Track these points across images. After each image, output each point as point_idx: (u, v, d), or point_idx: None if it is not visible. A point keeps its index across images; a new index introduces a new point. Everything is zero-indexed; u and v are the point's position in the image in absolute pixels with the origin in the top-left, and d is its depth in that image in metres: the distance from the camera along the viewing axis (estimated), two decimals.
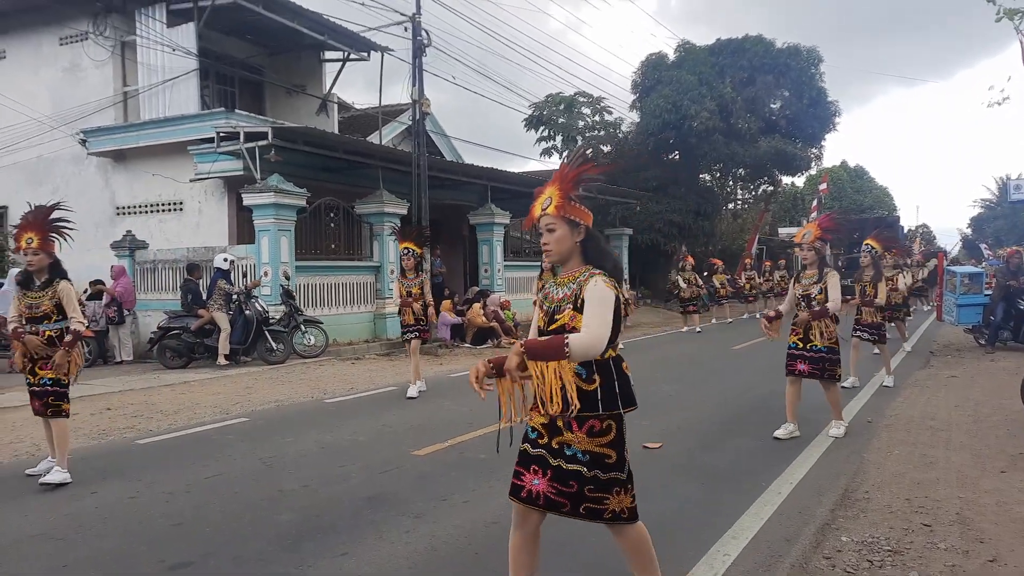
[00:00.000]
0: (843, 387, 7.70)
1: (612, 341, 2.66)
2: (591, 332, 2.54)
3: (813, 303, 5.91)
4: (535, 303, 3.00)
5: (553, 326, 2.73)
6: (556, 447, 2.72)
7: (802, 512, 4.37)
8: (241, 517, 4.42)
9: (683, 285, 17.08)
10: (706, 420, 6.78)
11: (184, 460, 5.78)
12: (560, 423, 2.71)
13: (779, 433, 6.12)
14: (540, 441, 2.78)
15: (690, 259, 17.81)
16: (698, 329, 16.74)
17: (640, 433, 6.37)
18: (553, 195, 2.77)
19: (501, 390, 2.78)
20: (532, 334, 2.93)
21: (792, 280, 6.32)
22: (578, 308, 2.64)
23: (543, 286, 3.01)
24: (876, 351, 10.85)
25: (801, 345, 6.01)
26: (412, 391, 8.46)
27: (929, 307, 19.16)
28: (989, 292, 12.34)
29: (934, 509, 4.38)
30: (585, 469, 2.67)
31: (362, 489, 4.90)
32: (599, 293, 2.61)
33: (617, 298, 2.63)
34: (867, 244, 8.75)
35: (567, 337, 2.52)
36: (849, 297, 8.05)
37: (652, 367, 11.21)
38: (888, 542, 3.88)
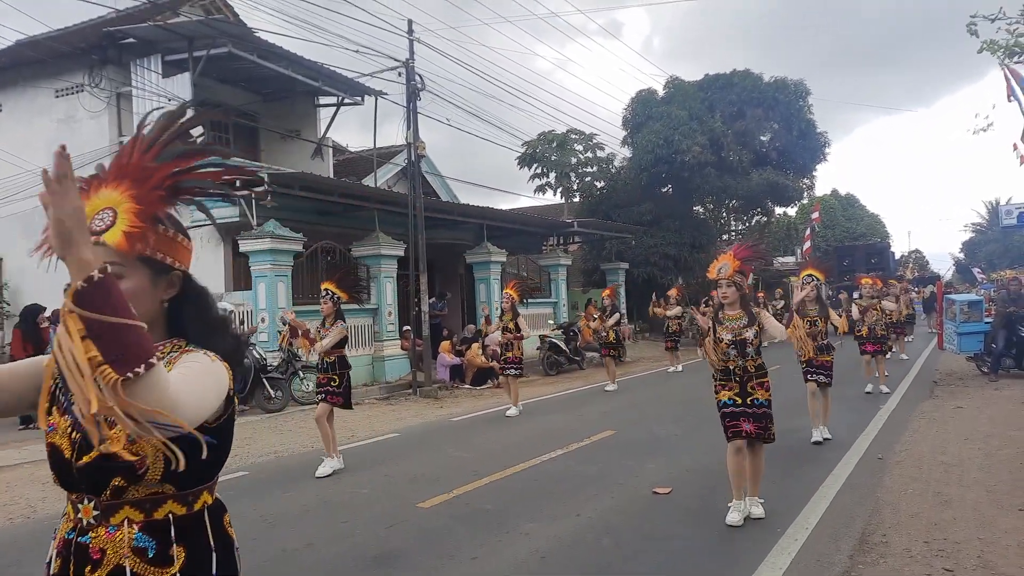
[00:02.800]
0: (816, 441, 7.44)
1: (211, 477, 1.60)
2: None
3: (748, 348, 4.87)
4: None
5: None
6: None
7: (820, 560, 4.26)
8: None
9: (669, 315, 15.99)
10: (715, 461, 6.65)
11: None
12: None
13: (731, 519, 4.87)
14: None
15: (676, 292, 16.78)
16: (679, 368, 15.59)
17: (648, 476, 6.27)
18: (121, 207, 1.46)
19: None
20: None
21: (711, 326, 5.07)
22: None
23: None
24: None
25: (740, 401, 4.88)
26: (325, 468, 6.81)
27: (904, 356, 17.80)
28: (989, 319, 12.31)
29: (954, 552, 4.27)
30: None
31: (367, 547, 4.77)
32: (200, 364, 1.46)
33: (230, 395, 1.54)
34: (809, 274, 7.59)
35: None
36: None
37: (656, 405, 11.11)
38: None
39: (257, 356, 11.58)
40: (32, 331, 11.17)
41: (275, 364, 11.92)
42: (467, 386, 14.46)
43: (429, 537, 4.93)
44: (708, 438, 7.95)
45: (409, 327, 15.00)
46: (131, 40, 14.66)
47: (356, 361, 14.43)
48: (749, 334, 4.90)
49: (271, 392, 11.55)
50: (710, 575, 4.12)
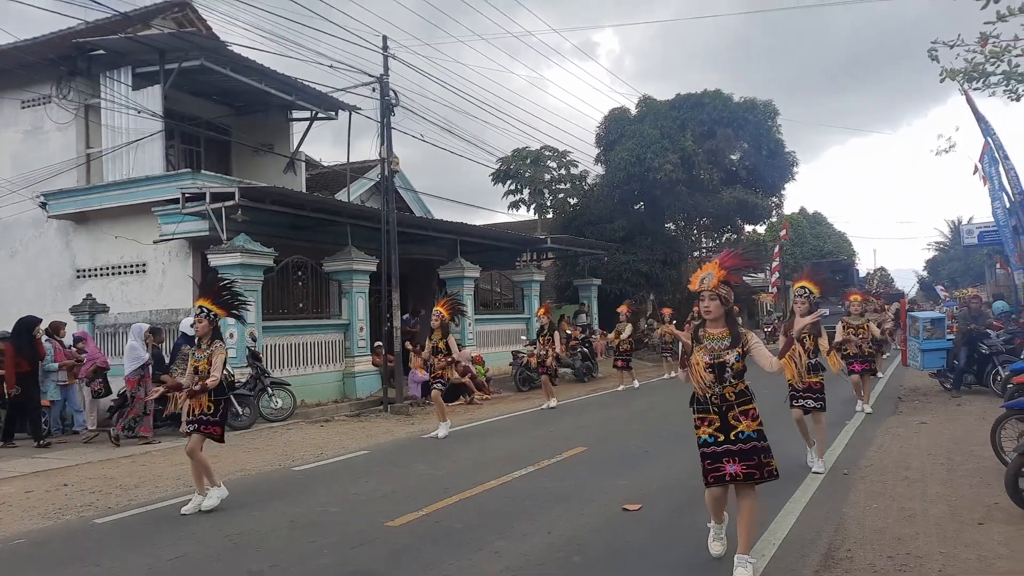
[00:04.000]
0: (816, 472, 6.79)
1: None
2: None
3: (727, 373, 4.24)
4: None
5: None
6: None
7: (787, 575, 4.30)
8: None
9: (622, 336, 15.72)
10: (685, 478, 6.70)
11: (145, 540, 5.50)
12: None
13: (715, 551, 4.61)
14: None
15: (624, 309, 16.49)
16: (636, 385, 15.58)
17: (619, 493, 6.29)
18: None
19: None
20: None
21: (692, 341, 4.46)
22: None
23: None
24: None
25: (723, 437, 4.21)
26: (191, 507, 6.18)
27: (886, 354, 19.06)
28: (952, 337, 12.58)
29: (917, 567, 4.34)
30: None
31: (335, 567, 4.71)
32: None
33: None
34: (801, 287, 6.94)
35: None
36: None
37: (628, 421, 11.14)
38: None
39: (225, 372, 11.39)
40: (27, 346, 10.38)
41: (243, 381, 11.75)
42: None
43: (398, 556, 4.88)
44: (678, 454, 8.00)
45: (381, 343, 14.91)
46: (101, 52, 14.50)
47: (326, 377, 14.38)
48: (730, 357, 4.23)
49: (238, 409, 11.36)
50: None
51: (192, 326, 6.74)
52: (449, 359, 10.02)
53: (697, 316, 7.14)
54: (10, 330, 11.52)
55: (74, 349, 11.52)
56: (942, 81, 11.47)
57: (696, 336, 4.41)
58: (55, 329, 11.36)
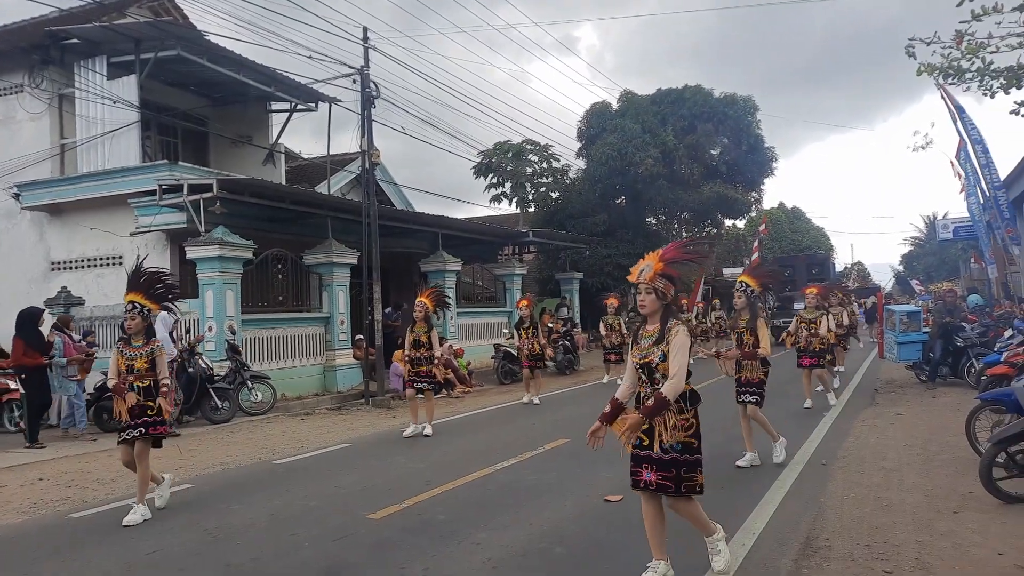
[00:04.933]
0: (738, 465, 6.70)
1: None
2: None
3: (657, 375, 3.90)
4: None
5: None
6: None
7: (766, 564, 4.34)
8: None
9: (603, 332, 15.42)
10: None
11: (122, 535, 5.43)
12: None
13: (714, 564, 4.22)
14: None
15: (613, 301, 15.73)
16: (619, 380, 15.49)
17: (601, 485, 6.31)
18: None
19: None
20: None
21: (631, 341, 4.24)
22: None
23: None
24: (819, 388, 11.04)
25: (647, 441, 3.91)
26: (134, 516, 5.66)
27: (863, 345, 19.33)
28: (927, 330, 12.77)
29: (894, 555, 4.40)
30: None
31: (316, 560, 4.68)
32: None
33: None
34: (741, 282, 6.92)
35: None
36: (723, 350, 6.90)
37: None
38: None
39: (204, 366, 11.30)
40: (36, 338, 9.93)
41: (222, 374, 11.64)
42: (420, 396, 14.32)
43: (380, 549, 4.86)
44: None
45: (362, 336, 14.83)
46: (75, 40, 14.23)
47: (307, 371, 14.28)
48: (654, 357, 3.91)
49: (217, 402, 11.28)
50: None
51: (123, 324, 6.18)
52: (430, 353, 9.35)
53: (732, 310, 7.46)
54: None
55: (83, 343, 11.02)
56: (919, 75, 11.61)
57: (635, 335, 4.14)
58: (64, 323, 10.97)
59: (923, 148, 13.19)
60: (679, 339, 3.86)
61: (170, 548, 5.07)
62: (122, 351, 5.94)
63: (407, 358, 9.50)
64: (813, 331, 10.37)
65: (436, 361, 9.46)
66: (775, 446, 6.97)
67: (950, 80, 12.21)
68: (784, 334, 10.88)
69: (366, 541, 5.06)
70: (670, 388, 3.77)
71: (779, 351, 12.89)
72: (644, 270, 4.05)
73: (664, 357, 3.86)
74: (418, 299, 9.67)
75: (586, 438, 3.96)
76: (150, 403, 5.85)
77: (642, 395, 4.00)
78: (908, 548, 4.52)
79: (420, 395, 9.49)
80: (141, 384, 5.83)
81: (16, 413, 11.14)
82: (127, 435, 5.81)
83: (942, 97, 16.53)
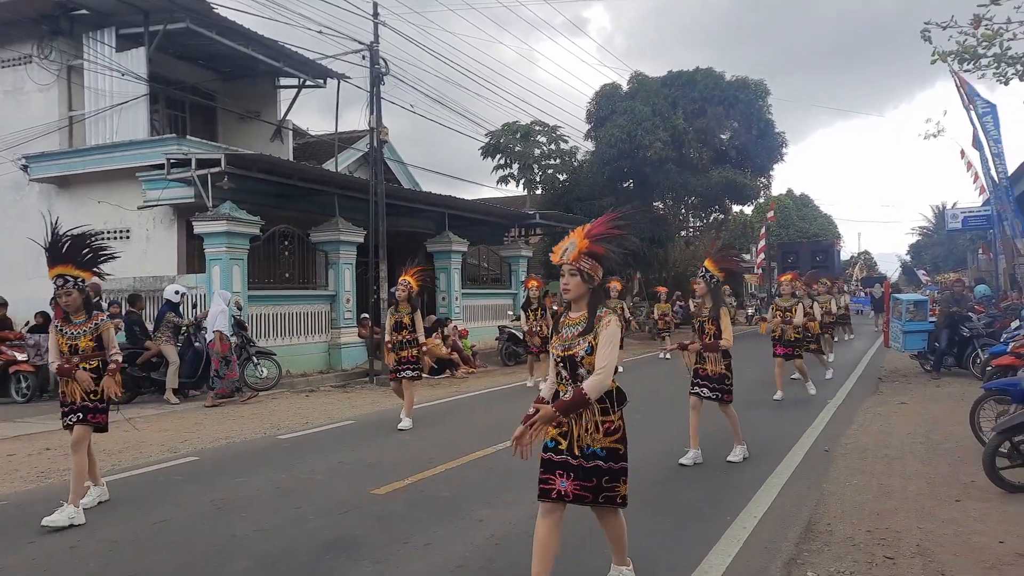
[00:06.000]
0: (682, 463, 6.26)
1: None
2: None
3: (581, 371, 3.38)
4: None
5: None
6: None
7: (768, 547, 4.37)
8: (191, 567, 4.20)
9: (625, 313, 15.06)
10: (668, 452, 6.77)
11: (129, 504, 5.50)
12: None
13: None
14: None
15: (616, 284, 15.23)
16: (619, 369, 14.90)
17: None
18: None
19: None
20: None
21: (551, 331, 3.72)
22: None
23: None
24: (795, 376, 10.91)
25: (564, 445, 3.37)
26: (58, 517, 4.90)
27: (850, 336, 19.03)
28: (933, 319, 12.73)
29: (895, 541, 4.42)
30: None
31: (320, 533, 4.72)
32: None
33: None
34: (703, 269, 6.52)
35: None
36: (687, 342, 6.52)
37: None
38: None
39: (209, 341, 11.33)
40: None
41: None
42: (425, 375, 14.38)
43: (383, 523, 4.90)
44: (659, 428, 8.09)
45: (367, 315, 14.87)
46: (84, 11, 14.16)
47: (312, 348, 14.34)
48: (580, 349, 3.36)
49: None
50: (661, 561, 4.18)
51: (53, 302, 5.54)
52: (413, 336, 8.53)
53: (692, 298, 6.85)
54: (3, 295, 11.31)
55: (105, 314, 10.96)
56: (933, 62, 11.46)
57: (556, 324, 3.59)
58: (95, 291, 10.92)
59: (935, 136, 13.08)
60: (610, 330, 3.34)
61: (177, 518, 5.13)
62: (61, 330, 5.24)
63: (388, 345, 8.68)
64: (788, 319, 10.11)
65: (424, 348, 8.78)
66: (736, 448, 6.53)
67: (965, 66, 12.07)
68: (757, 318, 10.69)
69: (370, 515, 5.10)
70: (594, 384, 3.25)
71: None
72: (568, 249, 3.49)
73: (591, 350, 3.32)
74: (401, 278, 8.84)
75: (511, 447, 3.38)
76: (95, 387, 5.19)
77: (561, 394, 3.45)
78: (909, 534, 4.53)
79: (398, 381, 8.67)
80: (88, 365, 5.18)
81: (24, 384, 11.23)
82: (67, 420, 5.22)
83: (956, 84, 16.34)
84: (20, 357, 11.24)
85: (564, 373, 3.43)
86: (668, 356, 16.01)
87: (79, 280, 5.17)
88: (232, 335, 12.02)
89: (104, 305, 10.98)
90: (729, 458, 6.46)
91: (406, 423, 8.43)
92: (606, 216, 3.61)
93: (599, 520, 3.59)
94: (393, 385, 8.87)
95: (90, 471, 5.38)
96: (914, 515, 4.92)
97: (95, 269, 5.38)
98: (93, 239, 5.39)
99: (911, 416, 8.70)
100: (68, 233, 5.24)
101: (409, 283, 8.67)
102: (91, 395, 5.16)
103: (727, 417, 6.55)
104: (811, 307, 11.20)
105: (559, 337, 3.48)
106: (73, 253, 5.19)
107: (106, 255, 5.43)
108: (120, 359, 5.34)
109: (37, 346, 11.35)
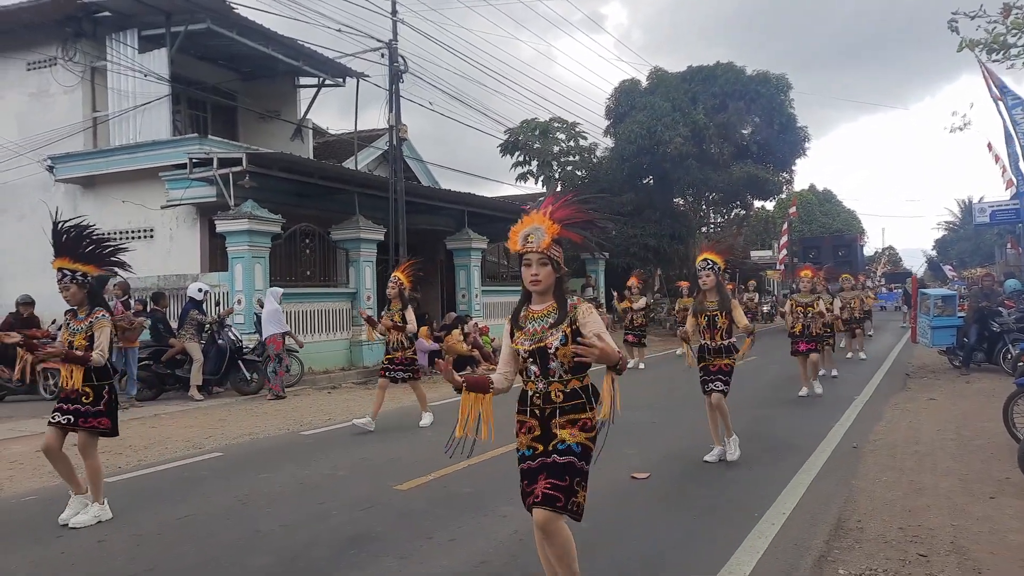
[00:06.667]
0: (707, 460, 6.14)
1: None
2: None
3: (553, 363, 3.08)
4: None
5: None
6: None
7: (797, 544, 4.28)
8: (215, 561, 4.21)
9: (634, 307, 14.51)
10: (692, 448, 6.69)
11: (155, 499, 5.54)
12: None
13: None
14: None
15: (635, 280, 14.97)
16: (640, 365, 14.10)
17: (627, 462, 6.27)
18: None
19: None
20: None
21: (510, 326, 3.27)
22: None
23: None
24: (821, 372, 10.67)
25: (541, 449, 3.13)
26: (84, 517, 4.89)
27: (863, 356, 16.59)
28: (962, 314, 12.49)
29: (928, 538, 4.32)
30: None
31: (343, 528, 4.72)
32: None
33: None
34: (706, 259, 6.25)
35: None
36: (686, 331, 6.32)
37: (633, 391, 11.12)
38: (886, 574, 3.80)
39: (233, 338, 11.44)
40: (103, 303, 9.91)
41: (251, 346, 11.77)
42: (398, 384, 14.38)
43: (406, 519, 4.89)
44: (684, 425, 8.00)
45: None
46: (107, 13, 14.33)
47: (334, 345, 14.39)
48: (553, 340, 3.05)
49: (247, 374, 11.43)
50: (689, 558, 4.12)
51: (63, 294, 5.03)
52: (403, 330, 8.17)
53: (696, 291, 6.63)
54: (31, 294, 11.44)
55: (131, 312, 10.79)
56: (960, 51, 11.23)
57: (516, 320, 3.21)
58: (123, 290, 11.05)
59: (961, 129, 12.83)
60: (594, 316, 3.09)
61: (201, 513, 5.15)
62: (68, 324, 5.09)
63: (388, 348, 8.34)
64: (811, 314, 9.81)
65: (408, 337, 8.27)
66: (728, 441, 6.26)
67: (994, 57, 11.80)
68: (781, 311, 10.40)
69: (393, 511, 5.09)
70: (609, 351, 2.93)
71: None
72: (533, 235, 3.06)
73: (565, 340, 3.01)
74: (393, 274, 8.49)
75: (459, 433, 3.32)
76: (88, 388, 4.86)
77: (530, 393, 3.15)
78: (943, 532, 4.43)
79: (396, 383, 8.35)
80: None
81: (52, 381, 11.38)
82: (53, 418, 4.90)
83: (983, 74, 16.02)
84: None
85: (534, 369, 3.10)
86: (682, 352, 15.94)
87: (78, 274, 4.96)
88: (255, 332, 12.11)
89: (131, 303, 11.08)
90: (707, 458, 6.19)
91: (427, 419, 8.33)
92: (565, 196, 3.19)
93: (544, 536, 3.04)
94: (381, 380, 8.31)
95: (72, 478, 5.01)
96: (947, 512, 4.81)
97: (105, 265, 5.20)
98: (93, 232, 5.11)
99: (941, 412, 8.53)
100: (67, 223, 5.02)
101: (400, 279, 8.29)
102: (84, 397, 4.84)
103: (720, 410, 6.17)
104: (831, 303, 11.04)
105: (523, 332, 3.13)
106: (72, 246, 4.98)
107: (111, 249, 5.17)
108: (97, 358, 4.88)
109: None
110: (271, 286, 12.84)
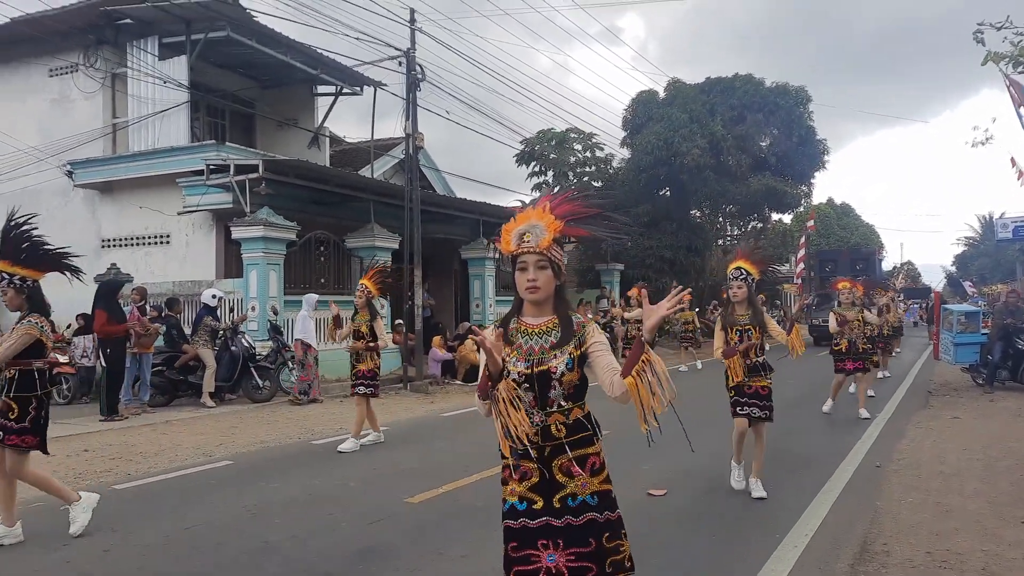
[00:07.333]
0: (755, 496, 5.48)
1: None
2: None
3: (555, 391, 2.43)
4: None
5: None
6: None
7: (822, 568, 4.13)
8: (223, 572, 4.12)
9: (628, 316, 15.00)
10: (711, 465, 6.54)
11: (164, 508, 5.46)
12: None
13: None
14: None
15: (636, 292, 14.70)
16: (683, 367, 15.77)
17: (643, 478, 6.13)
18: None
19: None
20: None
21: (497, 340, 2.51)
22: None
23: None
24: (851, 389, 10.34)
25: (541, 504, 2.43)
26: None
27: (887, 373, 14.68)
28: (986, 331, 12.24)
29: (959, 564, 4.15)
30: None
31: (353, 541, 4.61)
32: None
33: None
34: (737, 268, 5.62)
35: None
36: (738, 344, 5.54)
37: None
38: None
39: (246, 345, 11.42)
40: (116, 308, 9.84)
41: (264, 353, 11.74)
42: (459, 382, 14.30)
43: (417, 532, 4.78)
44: (703, 440, 7.82)
45: (401, 321, 14.83)
46: (128, 20, 14.45)
47: (347, 354, 14.24)
48: (558, 364, 2.42)
49: (259, 381, 11.39)
50: None
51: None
52: (372, 344, 7.75)
53: (724, 302, 6.25)
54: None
55: (147, 319, 10.70)
56: (984, 64, 11.03)
57: (504, 331, 2.50)
58: (141, 295, 11.13)
59: (983, 144, 12.61)
60: (602, 336, 2.53)
61: (210, 523, 5.07)
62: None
63: (354, 358, 7.90)
64: (857, 329, 9.18)
65: (374, 349, 7.80)
66: (753, 482, 5.63)
67: (1020, 70, 11.59)
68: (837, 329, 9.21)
69: (404, 523, 4.98)
70: (611, 386, 2.41)
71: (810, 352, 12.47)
72: (531, 232, 2.48)
73: (572, 364, 2.41)
74: (360, 281, 8.01)
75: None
76: (12, 402, 4.49)
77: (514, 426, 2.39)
78: (973, 557, 4.25)
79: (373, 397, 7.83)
80: (7, 375, 4.54)
81: (65, 386, 11.40)
82: None
83: (1007, 87, 15.78)
84: (61, 359, 11.39)
85: (528, 397, 2.42)
86: (689, 367, 16.05)
87: (16, 278, 4.58)
88: (268, 339, 12.08)
89: (147, 309, 11.09)
90: (755, 494, 5.52)
91: (349, 444, 7.50)
92: (564, 192, 2.66)
93: None
94: (356, 400, 7.80)
95: (5, 506, 4.64)
96: (977, 536, 4.63)
97: (48, 270, 4.81)
98: (24, 229, 4.66)
99: (965, 431, 8.31)
100: (12, 226, 4.65)
101: (367, 287, 7.79)
102: (10, 412, 4.48)
103: (759, 441, 5.57)
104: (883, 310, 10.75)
105: (517, 350, 2.47)
106: (13, 248, 4.62)
107: (53, 253, 4.78)
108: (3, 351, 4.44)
109: (84, 348, 11.48)
110: (284, 294, 12.85)
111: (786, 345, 5.87)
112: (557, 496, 2.42)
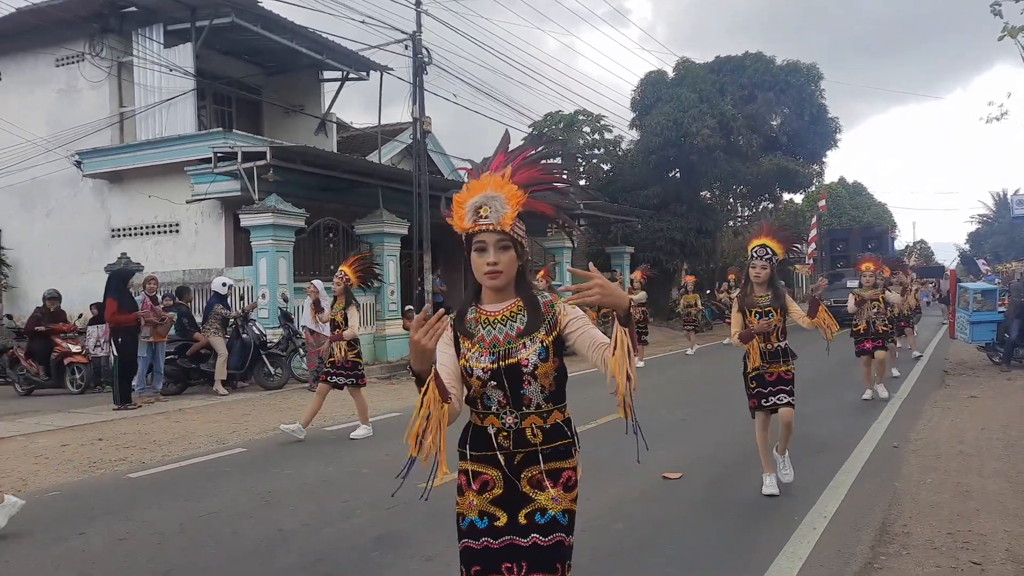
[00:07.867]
0: (767, 494, 5.04)
1: None
2: None
3: (529, 387, 2.13)
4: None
5: None
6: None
7: (841, 550, 4.08)
8: (237, 562, 4.11)
9: (633, 298, 15.38)
10: (727, 448, 6.48)
11: (178, 496, 5.47)
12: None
13: None
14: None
15: (638, 275, 14.37)
16: (640, 363, 14.61)
17: (658, 461, 6.07)
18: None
19: None
20: None
21: (455, 331, 2.24)
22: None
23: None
24: (895, 373, 10.21)
25: (504, 520, 2.16)
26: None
27: (918, 352, 14.37)
28: (1003, 309, 12.08)
29: (981, 545, 4.09)
30: None
31: (367, 528, 4.60)
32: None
33: None
34: (761, 245, 5.11)
35: None
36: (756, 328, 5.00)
37: (664, 389, 10.91)
38: None
39: (257, 332, 11.43)
40: (128, 298, 9.83)
41: (275, 341, 11.75)
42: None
43: (432, 519, 4.74)
44: (717, 424, 7.78)
45: (411, 307, 14.82)
46: (133, 8, 14.38)
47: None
48: (528, 353, 2.10)
49: (271, 369, 11.40)
50: (728, 564, 3.94)
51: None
52: (337, 334, 7.39)
53: (736, 285, 5.93)
54: (57, 289, 11.49)
55: (160, 307, 10.60)
56: (1001, 39, 10.79)
57: (461, 324, 2.20)
58: (179, 294, 11.28)
59: (998, 119, 12.38)
60: (575, 310, 2.15)
61: (224, 510, 5.07)
62: None
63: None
64: (878, 310, 9.04)
65: (341, 337, 7.39)
66: (783, 460, 5.22)
67: None
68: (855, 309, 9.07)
69: (418, 510, 4.94)
70: (602, 361, 2.06)
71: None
72: (488, 206, 2.07)
73: (545, 354, 2.10)
74: (340, 268, 7.67)
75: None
76: None
77: (491, 431, 2.17)
78: (996, 538, 4.19)
79: (339, 389, 7.55)
80: None
81: (78, 375, 11.46)
82: None
83: None
84: (74, 349, 11.46)
85: (497, 396, 2.13)
86: (694, 352, 15.95)
87: None
88: (279, 326, 12.09)
89: (159, 298, 11.09)
90: (784, 478, 5.16)
91: (361, 431, 7.42)
92: (525, 151, 2.19)
93: None
94: (321, 386, 7.57)
95: None
96: (999, 517, 4.56)
97: None
98: None
99: (983, 411, 8.21)
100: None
101: (346, 274, 7.44)
102: None
103: (787, 428, 5.09)
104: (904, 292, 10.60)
105: (479, 343, 2.14)
106: None
107: None
108: None
109: (97, 338, 11.49)
110: (294, 281, 12.84)
111: (810, 329, 5.39)
112: (523, 512, 2.11)
